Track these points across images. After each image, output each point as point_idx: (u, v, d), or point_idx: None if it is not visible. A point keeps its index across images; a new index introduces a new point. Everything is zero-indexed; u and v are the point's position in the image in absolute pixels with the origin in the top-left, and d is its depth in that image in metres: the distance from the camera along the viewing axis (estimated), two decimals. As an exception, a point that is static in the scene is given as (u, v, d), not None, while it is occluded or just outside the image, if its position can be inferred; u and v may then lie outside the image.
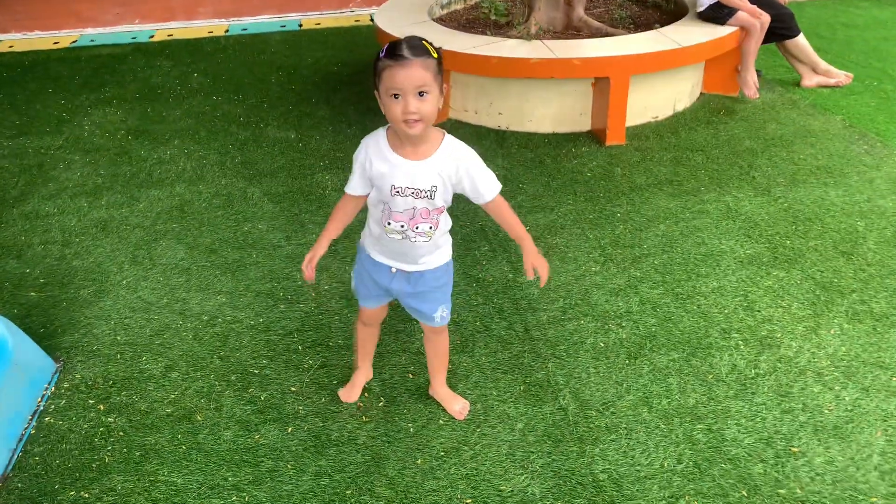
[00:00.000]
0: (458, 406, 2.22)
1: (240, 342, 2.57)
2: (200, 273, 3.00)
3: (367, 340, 2.28)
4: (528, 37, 4.40)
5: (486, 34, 4.55)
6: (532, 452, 2.07)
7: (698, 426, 2.16)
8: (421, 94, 1.62)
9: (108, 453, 2.10)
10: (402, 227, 1.84)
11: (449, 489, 1.96)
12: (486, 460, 2.05)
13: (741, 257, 3.00)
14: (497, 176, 1.87)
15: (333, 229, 1.96)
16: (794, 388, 2.29)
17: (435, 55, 1.65)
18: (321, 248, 1.96)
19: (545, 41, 4.23)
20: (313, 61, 5.88)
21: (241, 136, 4.45)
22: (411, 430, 2.17)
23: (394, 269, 1.97)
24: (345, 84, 5.28)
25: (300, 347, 2.54)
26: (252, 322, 2.68)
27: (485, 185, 1.82)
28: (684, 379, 2.34)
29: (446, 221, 1.94)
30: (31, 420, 2.23)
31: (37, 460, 2.09)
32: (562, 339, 2.54)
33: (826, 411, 2.20)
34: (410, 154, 1.75)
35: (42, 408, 2.28)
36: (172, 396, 2.32)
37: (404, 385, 2.35)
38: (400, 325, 2.63)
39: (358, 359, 2.31)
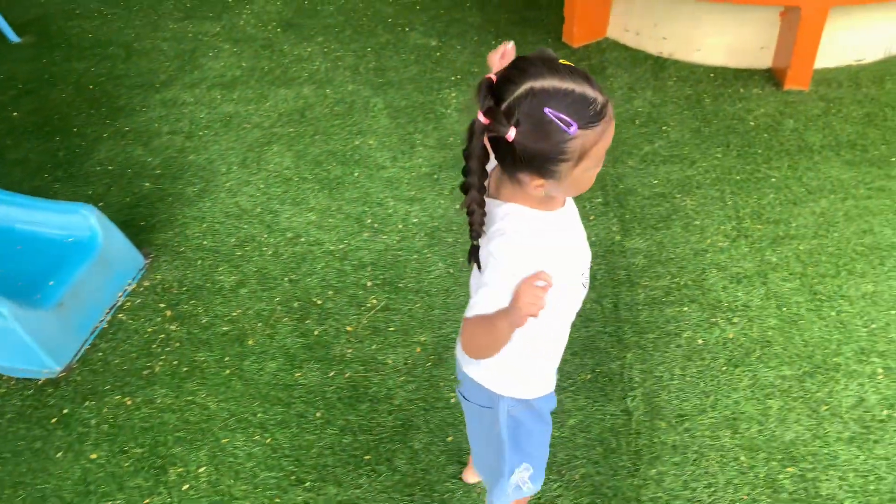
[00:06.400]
0: None
1: (314, 267, 2.49)
2: (300, 185, 2.94)
3: None
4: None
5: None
6: (576, 458, 1.82)
7: (789, 469, 1.78)
8: None
9: (161, 363, 2.14)
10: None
11: (471, 478, 1.78)
12: (521, 454, 1.84)
13: (918, 258, 2.40)
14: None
15: None
16: (935, 447, 1.81)
17: None
18: None
19: (732, -45, 3.54)
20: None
21: (383, 38, 4.26)
22: (452, 400, 1.99)
23: None
24: (505, -12, 4.86)
25: (369, 283, 2.41)
26: (332, 247, 2.58)
27: None
28: (790, 404, 1.93)
29: None
30: (107, 313, 2.33)
31: (99, 356, 2.18)
32: (654, 327, 2.19)
33: (970, 486, 1.72)
34: (559, 204, 1.16)
35: (120, 303, 2.37)
36: (234, 314, 2.31)
37: (461, 347, 2.16)
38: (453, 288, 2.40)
39: None
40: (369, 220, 2.71)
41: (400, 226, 2.67)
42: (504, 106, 0.96)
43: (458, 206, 2.75)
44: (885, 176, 2.81)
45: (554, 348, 1.29)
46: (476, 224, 1.07)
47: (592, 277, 2.38)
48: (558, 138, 0.96)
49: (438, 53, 4.01)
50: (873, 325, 2.15)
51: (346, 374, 2.07)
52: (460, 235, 2.60)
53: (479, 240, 1.10)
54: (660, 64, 3.74)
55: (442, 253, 2.53)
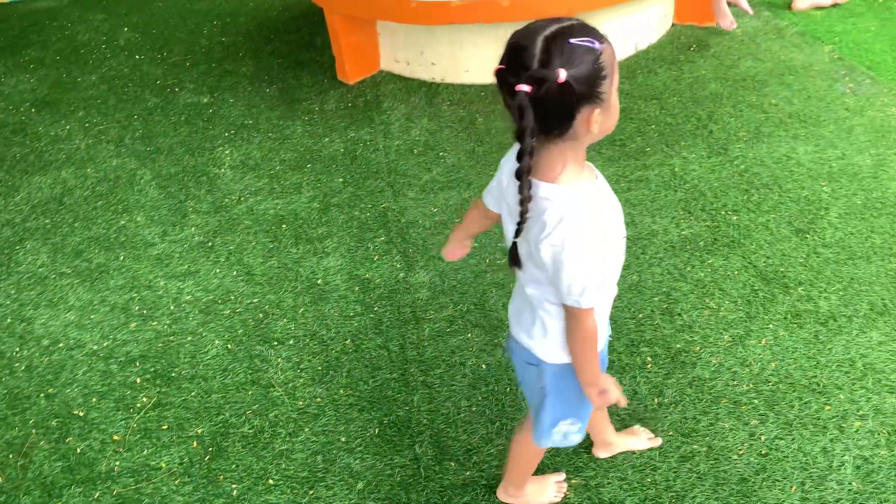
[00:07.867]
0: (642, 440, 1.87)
1: (74, 374, 2.25)
2: (56, 283, 2.66)
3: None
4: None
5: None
6: (366, 524, 1.74)
7: (573, 481, 1.79)
8: None
9: None
10: None
11: (255, 579, 1.64)
12: (309, 536, 1.72)
13: (674, 241, 2.55)
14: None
15: None
16: (701, 425, 1.90)
17: None
18: None
19: (476, -23, 3.66)
20: (254, 6, 5.34)
21: (151, 103, 4.02)
22: (234, 492, 1.84)
23: None
24: (279, 32, 4.76)
25: (138, 380, 2.20)
26: (95, 346, 2.35)
27: None
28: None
29: None
30: None
31: None
32: (439, 361, 2.16)
33: (734, 457, 1.81)
34: (592, 176, 1.25)
35: None
36: (-22, 451, 2.02)
37: (240, 431, 2.01)
38: (232, 365, 2.27)
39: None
40: (137, 308, 2.50)
41: (171, 307, 2.48)
42: (536, 63, 1.03)
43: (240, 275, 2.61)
44: (641, 167, 2.98)
45: (602, 322, 1.36)
46: (525, 212, 1.15)
47: (378, 322, 2.33)
48: (593, 57, 1.05)
49: (211, 110, 3.85)
50: (640, 315, 2.25)
51: (115, 492, 1.87)
52: (237, 305, 2.46)
53: (521, 236, 1.19)
54: (433, 90, 3.79)
55: (218, 329, 2.37)
